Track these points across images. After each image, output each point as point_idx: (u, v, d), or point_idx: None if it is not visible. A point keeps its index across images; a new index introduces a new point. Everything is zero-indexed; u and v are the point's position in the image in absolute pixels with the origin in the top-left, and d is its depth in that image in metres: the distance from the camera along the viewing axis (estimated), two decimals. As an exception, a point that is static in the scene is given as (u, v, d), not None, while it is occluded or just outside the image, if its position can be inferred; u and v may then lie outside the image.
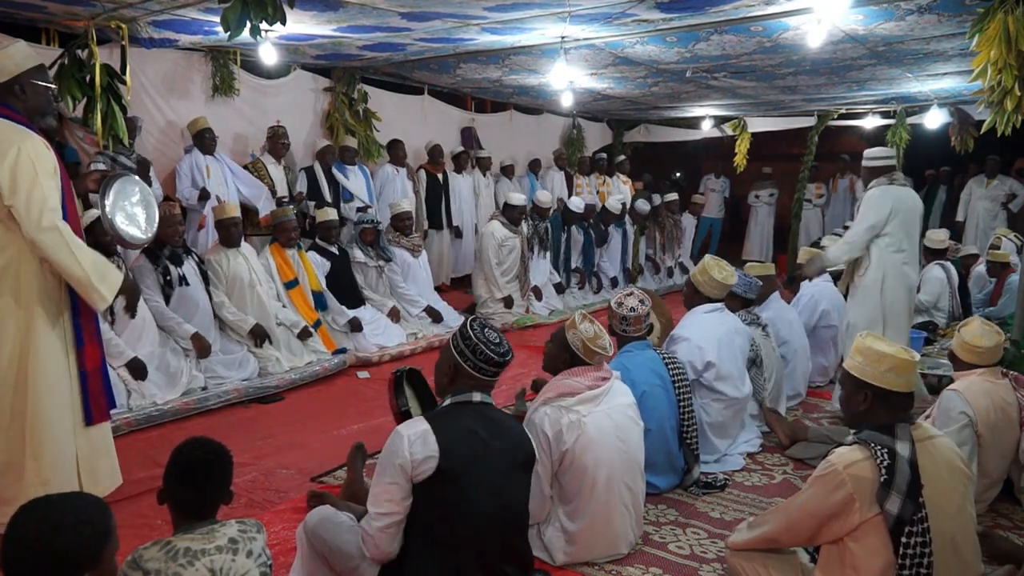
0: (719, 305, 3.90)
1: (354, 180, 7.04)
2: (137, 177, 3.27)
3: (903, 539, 2.03)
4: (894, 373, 2.16)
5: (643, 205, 8.96)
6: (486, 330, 2.25)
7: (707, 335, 3.73)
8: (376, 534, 2.10)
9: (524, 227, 7.14)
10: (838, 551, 2.14)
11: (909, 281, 4.35)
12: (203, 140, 5.86)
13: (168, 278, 4.53)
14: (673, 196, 9.62)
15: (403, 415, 2.80)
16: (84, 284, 2.76)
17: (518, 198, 7.02)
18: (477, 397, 2.22)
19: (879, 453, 2.07)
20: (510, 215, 6.95)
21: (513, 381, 5.16)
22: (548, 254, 7.58)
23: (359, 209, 6.77)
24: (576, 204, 7.63)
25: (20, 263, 2.73)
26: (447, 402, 2.25)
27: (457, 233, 8.40)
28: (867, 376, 2.19)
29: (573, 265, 7.98)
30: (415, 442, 2.06)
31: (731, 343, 3.78)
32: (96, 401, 2.94)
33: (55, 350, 2.81)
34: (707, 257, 4.00)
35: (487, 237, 6.90)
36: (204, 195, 5.78)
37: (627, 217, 8.75)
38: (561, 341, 2.90)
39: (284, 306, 5.24)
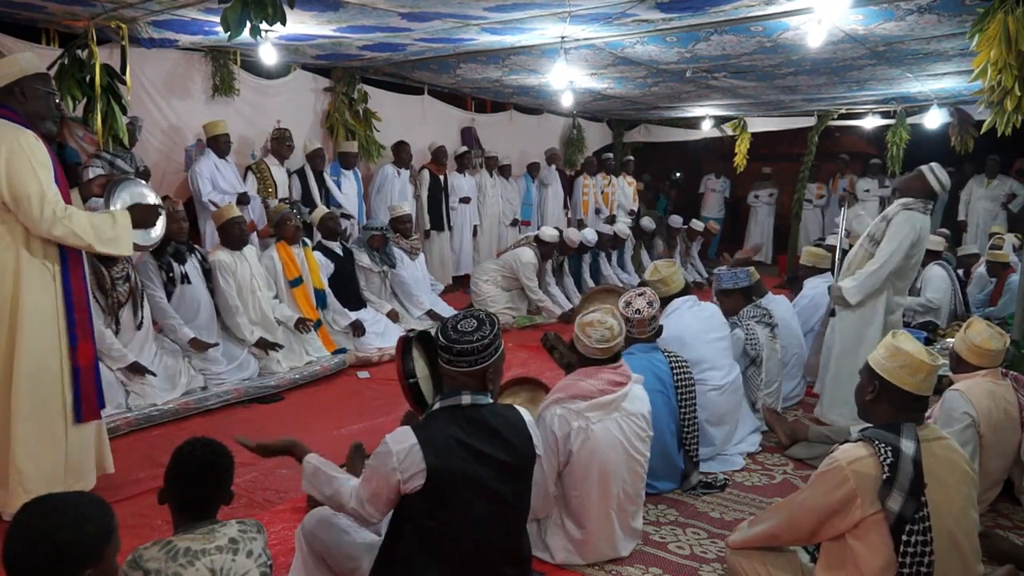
0: (688, 299, 3.93)
1: (346, 186, 7.04)
2: (142, 180, 3.30)
3: (904, 537, 2.03)
4: (906, 371, 2.18)
5: (648, 223, 9.07)
6: (461, 322, 2.12)
7: (679, 327, 3.74)
8: (368, 514, 2.08)
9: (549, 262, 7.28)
10: (839, 548, 2.15)
11: (887, 303, 4.20)
12: (219, 144, 5.87)
13: (171, 275, 4.52)
14: (700, 226, 9.68)
15: (411, 387, 2.64)
16: (99, 251, 2.94)
17: (551, 235, 7.07)
18: (467, 399, 2.08)
19: (883, 450, 2.07)
20: (544, 250, 7.03)
21: (513, 381, 5.16)
22: (565, 280, 7.69)
23: (343, 215, 6.72)
24: (589, 237, 7.75)
25: (16, 255, 2.77)
26: (435, 406, 2.13)
27: (464, 201, 8.41)
28: (880, 368, 2.23)
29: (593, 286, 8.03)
30: (404, 459, 1.98)
31: (702, 326, 3.78)
32: (88, 399, 2.97)
33: (43, 345, 2.83)
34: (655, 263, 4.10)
35: (527, 267, 6.90)
36: (243, 199, 5.83)
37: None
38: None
39: (281, 302, 5.22)
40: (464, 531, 2.05)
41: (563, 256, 7.56)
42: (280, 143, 6.38)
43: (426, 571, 2.05)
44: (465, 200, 8.45)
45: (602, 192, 10.19)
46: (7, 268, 2.77)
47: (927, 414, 3.27)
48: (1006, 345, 3.19)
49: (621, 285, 7.80)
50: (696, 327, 3.76)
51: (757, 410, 4.11)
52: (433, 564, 2.05)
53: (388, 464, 1.99)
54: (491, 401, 2.15)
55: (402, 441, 2.01)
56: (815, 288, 5.20)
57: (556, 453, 2.64)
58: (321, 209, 5.92)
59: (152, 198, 3.35)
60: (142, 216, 3.15)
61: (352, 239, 6.37)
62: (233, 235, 4.89)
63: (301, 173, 6.63)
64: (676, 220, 9.44)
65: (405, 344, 2.58)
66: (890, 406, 2.21)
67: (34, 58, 2.96)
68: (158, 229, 3.44)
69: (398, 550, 2.09)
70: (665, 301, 3.93)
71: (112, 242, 2.92)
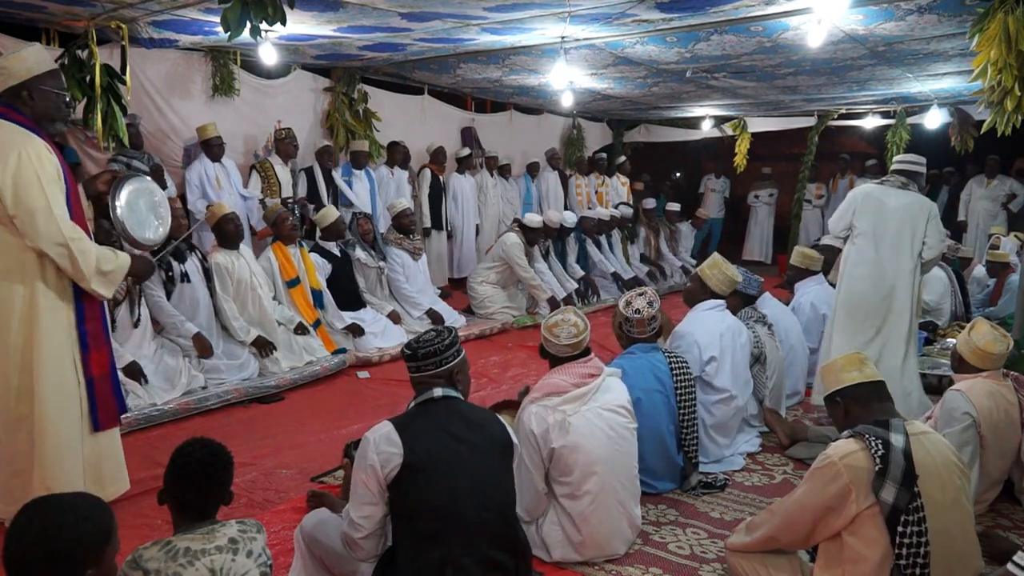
0: (721, 303, 3.89)
1: (358, 185, 7.04)
2: (148, 177, 3.26)
3: (899, 528, 2.04)
4: (845, 371, 2.34)
5: (626, 210, 8.99)
6: (422, 336, 2.28)
7: (710, 331, 3.72)
8: (357, 540, 2.15)
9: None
10: (836, 546, 2.16)
11: (864, 282, 4.27)
12: (211, 148, 5.89)
13: (170, 274, 4.51)
14: (675, 207, 9.62)
15: None
16: (85, 284, 2.79)
17: (535, 221, 7.03)
18: (438, 392, 2.21)
19: (873, 443, 2.10)
20: (529, 236, 7.00)
21: (514, 381, 5.18)
22: (554, 266, 7.66)
23: (354, 215, 6.76)
24: (570, 219, 7.73)
25: (24, 267, 2.71)
26: (410, 405, 2.26)
27: (448, 235, 8.39)
28: (830, 388, 2.37)
29: (582, 273, 7.98)
30: (380, 442, 2.09)
31: (733, 340, 3.77)
32: (104, 407, 2.94)
33: (60, 357, 2.80)
34: (716, 254, 4.01)
35: (513, 247, 6.86)
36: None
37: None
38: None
39: (280, 303, 5.22)
40: (448, 514, 2.09)
41: (548, 240, 7.53)
42: (286, 144, 6.41)
43: (418, 559, 2.07)
44: (449, 236, 8.43)
45: (596, 192, 10.18)
46: (22, 277, 2.71)
47: (927, 414, 3.29)
48: (1009, 348, 3.17)
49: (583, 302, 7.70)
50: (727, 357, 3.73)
51: (762, 409, 4.11)
52: (424, 551, 2.07)
53: (368, 452, 2.10)
54: (461, 397, 2.28)
55: (378, 429, 2.15)
56: (809, 294, 5.15)
57: (538, 450, 2.66)
58: (331, 211, 5.90)
59: (157, 194, 3.27)
60: (141, 266, 3.10)
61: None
62: (228, 232, 4.89)
63: (310, 172, 6.65)
64: (650, 202, 9.37)
65: (346, 451, 2.98)
66: (859, 406, 2.29)
67: (42, 52, 2.80)
68: (164, 226, 3.39)
69: (393, 541, 2.16)
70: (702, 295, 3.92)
71: (104, 276, 2.82)
